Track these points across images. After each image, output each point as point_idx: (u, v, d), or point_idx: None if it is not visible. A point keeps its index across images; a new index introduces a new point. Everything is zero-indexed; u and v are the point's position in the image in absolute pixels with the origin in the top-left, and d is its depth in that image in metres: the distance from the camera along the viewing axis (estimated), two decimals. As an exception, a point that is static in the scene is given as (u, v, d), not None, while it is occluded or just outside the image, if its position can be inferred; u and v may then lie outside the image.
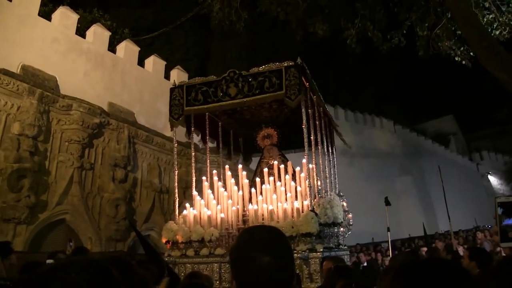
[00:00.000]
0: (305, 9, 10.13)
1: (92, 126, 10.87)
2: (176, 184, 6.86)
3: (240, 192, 6.78)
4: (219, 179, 7.25)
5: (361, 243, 16.62)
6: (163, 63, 15.04)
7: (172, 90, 6.80)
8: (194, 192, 6.93)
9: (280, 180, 6.75)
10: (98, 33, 12.85)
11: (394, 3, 10.03)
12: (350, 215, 7.56)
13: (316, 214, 5.76)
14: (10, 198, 9.02)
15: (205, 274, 5.05)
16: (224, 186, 7.10)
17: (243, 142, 8.78)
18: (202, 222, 6.41)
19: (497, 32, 9.42)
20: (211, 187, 7.12)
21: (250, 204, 6.52)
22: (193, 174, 7.09)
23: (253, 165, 9.49)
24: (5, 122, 9.48)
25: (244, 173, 7.11)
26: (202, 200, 6.77)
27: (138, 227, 11.30)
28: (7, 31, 10.36)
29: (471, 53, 9.66)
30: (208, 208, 6.57)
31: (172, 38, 21.85)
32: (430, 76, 34.64)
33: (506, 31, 9.39)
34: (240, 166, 7.29)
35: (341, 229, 6.77)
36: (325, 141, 7.44)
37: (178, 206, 7.00)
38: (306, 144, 6.07)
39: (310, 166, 6.54)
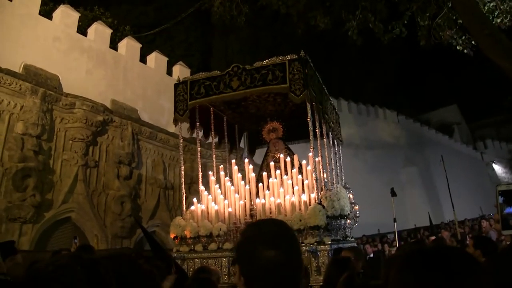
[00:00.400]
0: (306, 2, 10.09)
1: (95, 123, 10.90)
2: (182, 180, 6.87)
3: (247, 186, 6.79)
4: (225, 174, 7.26)
5: (367, 235, 16.65)
6: (165, 59, 15.03)
7: (176, 86, 6.80)
8: (201, 187, 6.94)
9: (286, 174, 6.76)
10: (99, 31, 12.85)
11: (395, -7, 10.00)
12: (356, 207, 7.55)
13: (323, 206, 5.77)
14: (16, 197, 9.07)
15: (213, 269, 5.08)
16: (231, 180, 7.11)
17: (248, 136, 8.78)
18: (210, 217, 6.43)
19: (498, 20, 9.36)
20: (218, 182, 7.14)
21: (258, 198, 6.54)
22: (200, 170, 7.10)
23: (257, 159, 9.50)
24: (9, 121, 9.52)
25: (251, 167, 7.12)
26: (210, 195, 6.78)
27: (144, 223, 11.34)
28: (8, 31, 10.37)
29: (473, 42, 9.61)
30: (215, 203, 6.58)
31: (173, 34, 21.82)
32: (433, 66, 34.47)
33: (507, 19, 9.34)
34: (246, 160, 7.30)
35: (348, 221, 6.77)
36: (330, 134, 7.42)
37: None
38: (311, 137, 6.06)
39: (316, 159, 6.54)
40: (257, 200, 6.43)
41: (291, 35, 17.99)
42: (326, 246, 5.52)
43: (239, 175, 7.08)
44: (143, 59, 14.35)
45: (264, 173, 6.99)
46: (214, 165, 7.43)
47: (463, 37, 9.99)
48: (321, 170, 6.74)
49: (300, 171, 6.81)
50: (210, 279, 3.72)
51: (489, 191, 29.94)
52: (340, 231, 6.53)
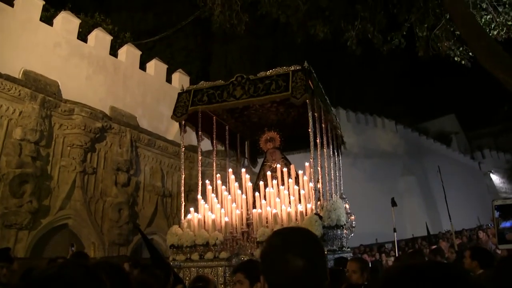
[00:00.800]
0: (305, 12, 10.14)
1: (94, 130, 10.91)
2: (182, 188, 6.89)
3: (244, 196, 6.80)
4: (223, 183, 7.27)
5: (364, 244, 16.61)
6: (165, 66, 15.09)
7: (179, 95, 6.84)
8: (199, 196, 6.95)
9: (283, 184, 6.77)
10: (99, 38, 12.91)
11: (394, 4, 10.05)
12: (352, 217, 7.58)
13: (320, 217, 5.78)
14: (12, 203, 9.05)
15: (210, 278, 5.08)
16: (228, 189, 7.13)
17: (250, 145, 8.81)
18: (207, 226, 6.44)
19: (495, 32, 9.46)
20: (215, 190, 7.15)
21: (254, 207, 6.55)
22: (199, 178, 7.11)
23: (258, 168, 9.52)
24: (7, 127, 9.52)
25: (247, 176, 7.14)
26: (206, 204, 6.79)
27: (141, 231, 11.33)
28: (9, 36, 10.41)
29: (470, 53, 9.69)
30: (212, 212, 6.59)
31: (173, 41, 21.88)
32: (431, 76, 34.64)
33: (504, 31, 9.43)
34: (243, 169, 7.32)
35: (344, 231, 6.79)
36: (331, 144, 7.45)
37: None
38: (312, 147, 6.07)
39: (315, 169, 6.56)
40: (254, 210, 6.43)
41: (290, 44, 18.11)
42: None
43: (236, 184, 7.09)
44: (142, 66, 14.40)
45: (261, 183, 7.01)
46: (214, 173, 7.44)
47: (461, 49, 10.06)
48: (320, 180, 6.75)
49: (297, 181, 6.83)
50: (206, 288, 3.72)
51: (487, 201, 29.87)
52: (336, 241, 6.53)
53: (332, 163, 7.68)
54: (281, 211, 6.14)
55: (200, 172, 7.22)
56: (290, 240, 1.52)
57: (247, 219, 6.63)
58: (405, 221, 20.90)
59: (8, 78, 9.54)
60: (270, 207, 6.28)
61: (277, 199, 6.32)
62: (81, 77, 12.00)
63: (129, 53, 13.78)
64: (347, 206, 7.46)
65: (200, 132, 7.07)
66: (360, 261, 4.79)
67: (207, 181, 7.18)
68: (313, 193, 6.25)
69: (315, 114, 6.33)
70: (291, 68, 6.23)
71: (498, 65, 7.19)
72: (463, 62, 10.18)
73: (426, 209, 24.50)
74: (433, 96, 37.03)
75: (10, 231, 9.04)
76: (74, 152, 10.60)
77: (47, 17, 12.84)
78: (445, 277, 1.20)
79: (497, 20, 9.45)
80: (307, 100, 6.00)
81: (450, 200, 14.14)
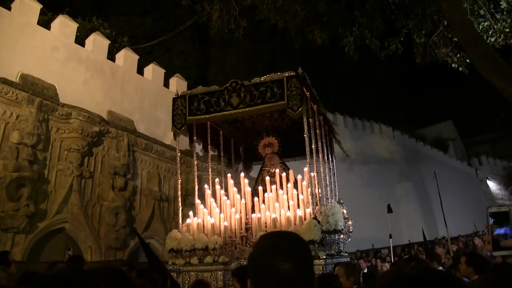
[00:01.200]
0: (303, 17, 10.18)
1: (91, 134, 10.89)
2: (179, 193, 6.91)
3: (243, 200, 6.83)
4: (221, 187, 7.30)
5: (361, 250, 16.59)
6: (162, 71, 15.09)
7: (174, 100, 6.86)
8: (197, 201, 6.98)
9: (282, 188, 6.79)
10: (97, 42, 12.90)
11: (391, 10, 10.10)
12: (350, 222, 7.60)
13: (318, 221, 5.81)
14: (9, 207, 9.00)
15: (209, 282, 5.10)
16: (227, 194, 7.16)
17: (244, 150, 8.85)
18: (206, 230, 6.46)
19: (492, 39, 9.51)
20: (213, 195, 7.17)
21: (253, 212, 6.57)
22: (196, 183, 7.12)
23: (253, 173, 9.53)
24: (4, 130, 9.48)
25: (246, 181, 7.17)
26: (205, 209, 6.81)
27: (138, 235, 11.29)
28: (6, 40, 10.40)
29: (468, 60, 9.74)
30: (211, 216, 6.61)
31: (171, 46, 21.92)
32: (429, 82, 34.80)
33: (501, 38, 9.48)
34: (242, 174, 7.34)
35: (342, 236, 6.81)
36: (325, 150, 7.49)
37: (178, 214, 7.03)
38: (307, 153, 6.13)
39: (312, 174, 6.60)
40: (253, 215, 6.46)
41: (288, 49, 18.17)
42: (321, 260, 5.57)
43: (235, 189, 7.12)
44: (140, 71, 14.40)
45: (260, 188, 7.04)
46: (210, 178, 7.46)
47: (458, 55, 10.11)
48: (317, 185, 6.78)
49: (295, 186, 6.86)
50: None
51: (483, 208, 29.92)
52: (334, 245, 6.56)
53: (327, 169, 7.72)
54: (280, 215, 6.18)
55: (196, 177, 7.23)
56: (277, 244, 1.51)
57: (246, 223, 6.67)
58: (402, 227, 20.95)
59: (5, 81, 9.52)
60: (269, 211, 6.31)
61: (276, 204, 6.35)
62: (79, 81, 11.98)
63: (126, 57, 13.77)
64: (345, 211, 7.48)
65: (195, 138, 7.10)
66: (346, 265, 4.81)
67: (206, 186, 7.21)
68: (310, 198, 6.28)
69: (310, 120, 6.38)
70: (285, 74, 6.27)
71: (495, 72, 7.22)
72: (460, 69, 10.22)
73: (422, 215, 24.54)
74: (431, 102, 37.25)
75: (7, 235, 8.99)
76: (71, 156, 10.57)
77: (45, 21, 12.85)
78: (440, 284, 1.20)
79: (495, 27, 9.51)
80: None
81: (446, 206, 14.16)
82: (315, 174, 6.71)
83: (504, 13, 9.44)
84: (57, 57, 11.55)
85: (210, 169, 7.67)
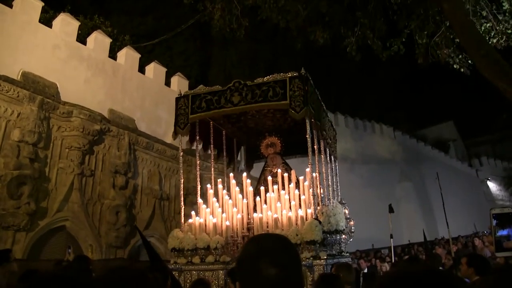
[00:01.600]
0: (305, 17, 10.17)
1: (92, 132, 10.89)
2: (182, 192, 6.94)
3: (245, 200, 6.84)
4: (224, 187, 7.32)
5: (361, 250, 16.59)
6: (164, 70, 15.09)
7: (177, 99, 6.87)
8: (200, 200, 7.00)
9: (284, 189, 6.81)
10: (99, 40, 12.90)
11: (393, 11, 10.09)
12: (351, 222, 7.60)
13: (319, 222, 5.82)
14: (10, 205, 9.02)
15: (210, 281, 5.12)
16: (229, 194, 7.17)
17: (246, 150, 8.87)
18: (208, 230, 6.49)
19: (494, 41, 9.50)
20: (215, 194, 7.19)
21: (255, 212, 6.59)
22: (198, 182, 7.14)
23: (254, 173, 9.54)
24: (5, 128, 9.49)
25: (249, 181, 7.18)
26: (208, 208, 6.84)
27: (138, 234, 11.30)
28: (8, 38, 10.40)
29: (469, 61, 9.73)
30: (213, 216, 6.63)
31: (172, 45, 21.91)
32: (430, 83, 34.77)
33: (503, 39, 9.48)
34: (244, 174, 7.35)
35: (343, 236, 6.82)
36: (327, 150, 7.51)
37: (179, 213, 7.06)
38: (309, 153, 6.14)
39: (314, 174, 6.61)
40: (255, 214, 6.48)
41: (290, 49, 18.13)
42: (322, 261, 5.58)
43: (237, 188, 7.14)
44: (141, 69, 14.40)
45: (262, 187, 7.07)
46: (213, 178, 7.47)
47: (460, 56, 10.10)
48: (318, 185, 6.79)
49: (297, 186, 6.87)
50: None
51: (484, 208, 30.03)
52: (336, 246, 6.57)
53: (329, 169, 7.73)
54: (281, 215, 6.20)
55: (198, 176, 7.24)
56: (264, 247, 1.50)
57: (248, 223, 6.69)
58: (402, 227, 20.95)
59: (7, 79, 9.53)
60: (271, 211, 6.33)
61: (278, 204, 6.37)
62: (80, 79, 11.98)
63: (128, 56, 13.77)
64: (347, 212, 7.49)
65: (197, 137, 7.11)
66: (338, 267, 4.84)
67: (208, 185, 7.23)
68: (312, 198, 6.29)
69: (312, 120, 6.38)
70: (288, 74, 6.28)
71: (497, 73, 7.22)
72: (462, 70, 10.22)
73: (422, 215, 24.56)
74: (432, 103, 37.19)
75: (7, 233, 9.01)
76: (72, 154, 10.58)
77: (46, 19, 12.84)
78: (440, 284, 1.20)
79: (497, 28, 9.51)
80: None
81: (447, 206, 14.10)
82: (317, 174, 6.72)
83: (507, 14, 9.44)
84: (58, 55, 11.55)
85: (212, 169, 7.68)
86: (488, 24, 9.62)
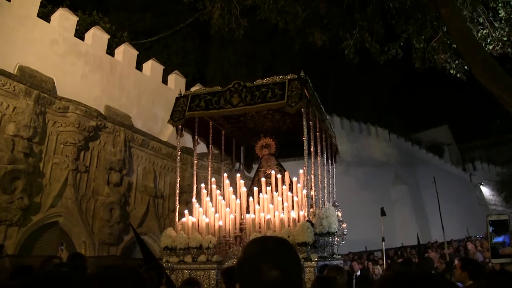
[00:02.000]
0: (304, 19, 10.20)
1: (88, 128, 10.86)
2: (177, 191, 6.95)
3: (238, 201, 6.87)
4: (218, 187, 7.34)
5: (353, 252, 16.65)
6: (161, 67, 15.07)
7: (177, 99, 6.90)
8: (194, 200, 7.02)
9: (277, 190, 6.83)
10: (97, 36, 12.87)
11: (392, 15, 10.13)
12: (344, 225, 7.65)
13: (312, 224, 5.86)
14: (3, 199, 8.97)
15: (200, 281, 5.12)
16: (222, 194, 7.19)
17: (245, 150, 8.90)
18: (200, 229, 6.51)
19: (491, 47, 9.58)
20: (209, 194, 7.21)
21: (248, 212, 6.62)
22: (195, 182, 7.16)
23: (252, 173, 9.57)
24: (0, 122, 9.45)
25: (242, 181, 7.21)
26: (201, 208, 6.85)
27: (131, 231, 11.28)
28: (5, 32, 10.36)
29: (466, 67, 9.79)
30: (206, 216, 6.65)
31: (170, 43, 21.87)
32: (426, 86, 34.88)
33: (499, 46, 9.55)
34: (238, 174, 7.37)
35: (336, 238, 6.85)
36: (324, 152, 7.54)
37: (173, 211, 7.09)
38: (306, 155, 6.19)
39: (308, 176, 6.64)
40: (247, 215, 6.51)
41: (288, 49, 18.14)
42: (313, 262, 5.63)
43: (231, 189, 7.16)
44: (139, 66, 14.38)
45: (255, 188, 7.10)
46: (210, 177, 7.50)
47: (457, 62, 10.16)
48: (313, 187, 6.82)
49: (291, 188, 6.90)
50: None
51: (477, 213, 30.22)
52: (328, 248, 6.62)
53: (325, 171, 7.77)
54: (274, 217, 6.22)
55: (195, 176, 7.26)
56: (265, 250, 1.50)
57: (241, 223, 6.72)
58: (395, 230, 21.03)
59: (3, 73, 9.48)
60: (264, 212, 6.36)
61: (271, 205, 6.40)
62: (77, 75, 11.95)
63: (126, 52, 13.75)
64: (339, 214, 7.52)
65: (196, 136, 7.13)
66: (328, 269, 4.89)
67: (202, 185, 7.24)
68: (306, 200, 6.33)
69: (310, 122, 6.41)
70: (288, 77, 6.35)
71: (492, 79, 7.26)
72: (458, 75, 10.28)
73: (416, 218, 24.65)
74: (427, 106, 37.31)
75: (-1, 227, 8.99)
76: (67, 150, 10.55)
77: (45, 14, 12.80)
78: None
79: (493, 35, 9.58)
80: (302, 109, 6.09)
81: (441, 211, 14.19)
82: (312, 176, 6.75)
83: (503, 21, 9.51)
84: (56, 50, 11.51)
85: (210, 168, 7.70)
86: (485, 31, 9.69)
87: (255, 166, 9.07)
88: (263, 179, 7.12)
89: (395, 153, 27.00)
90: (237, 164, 9.17)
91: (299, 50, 11.85)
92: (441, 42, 9.93)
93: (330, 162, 8.17)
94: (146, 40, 18.22)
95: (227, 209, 6.69)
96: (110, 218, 11.05)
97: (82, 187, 10.93)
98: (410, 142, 29.86)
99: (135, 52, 14.19)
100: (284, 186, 6.86)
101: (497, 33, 9.54)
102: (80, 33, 12.91)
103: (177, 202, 6.91)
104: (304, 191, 6.46)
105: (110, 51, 13.62)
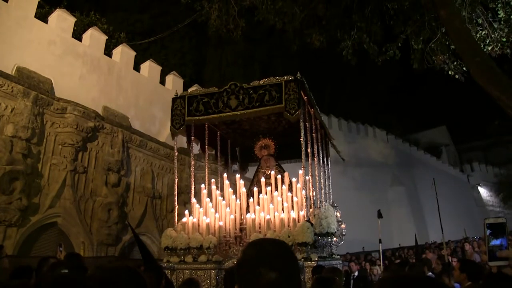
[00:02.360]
0: (302, 20, 10.21)
1: (86, 129, 10.85)
2: (176, 192, 6.97)
3: (238, 201, 6.89)
4: (217, 188, 7.36)
5: (351, 252, 16.67)
6: (159, 68, 15.06)
7: (174, 100, 6.90)
8: (193, 200, 7.04)
9: (277, 190, 6.85)
10: (94, 37, 12.86)
11: (390, 16, 10.15)
12: (343, 225, 7.68)
13: (311, 224, 5.89)
14: (2, 200, 8.95)
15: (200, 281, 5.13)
16: (222, 194, 7.21)
17: (240, 151, 8.91)
18: (201, 230, 6.54)
19: (489, 48, 9.58)
20: (209, 195, 7.23)
21: (248, 213, 6.64)
22: (192, 182, 7.17)
23: (248, 174, 9.58)
24: (-1, 123, 9.45)
25: (242, 182, 7.24)
26: (201, 208, 6.87)
27: (130, 232, 11.27)
28: (3, 32, 10.33)
29: (464, 68, 9.80)
30: (206, 216, 6.67)
31: (168, 43, 21.87)
32: (424, 87, 34.98)
33: (498, 47, 9.56)
34: (238, 175, 7.41)
35: (334, 239, 6.88)
36: (321, 153, 7.58)
37: (171, 212, 7.11)
38: (303, 156, 6.21)
39: (307, 177, 6.66)
40: (247, 215, 6.54)
41: (285, 50, 18.15)
42: (313, 262, 5.67)
43: (231, 189, 7.18)
44: (136, 67, 14.36)
45: (255, 189, 7.12)
46: (207, 178, 7.51)
47: (455, 63, 10.17)
48: (311, 188, 6.84)
49: (290, 188, 6.92)
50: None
51: (474, 214, 30.32)
52: (327, 248, 6.65)
53: (322, 172, 7.79)
54: (274, 217, 6.25)
55: (193, 177, 7.27)
56: (264, 252, 1.51)
57: (241, 224, 6.74)
58: (393, 231, 21.07)
59: (1, 74, 9.45)
60: (264, 213, 6.38)
61: (271, 206, 6.42)
62: (75, 75, 11.94)
63: (123, 53, 13.74)
64: (338, 214, 7.55)
65: (192, 138, 7.14)
66: (326, 270, 4.92)
67: (202, 185, 7.26)
68: (304, 200, 6.35)
69: (307, 124, 6.44)
70: (284, 78, 6.36)
71: (491, 80, 7.27)
72: (457, 76, 10.29)
73: (413, 219, 24.68)
74: (425, 107, 37.43)
75: (-2, 228, 8.97)
76: (65, 151, 10.53)
77: (42, 14, 12.76)
78: None
79: (492, 36, 9.59)
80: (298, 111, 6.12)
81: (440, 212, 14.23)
82: (310, 177, 6.77)
83: (502, 22, 9.52)
84: (53, 51, 11.49)
85: (207, 169, 7.71)
86: (484, 32, 9.70)
87: (250, 167, 9.10)
88: (262, 180, 7.15)
89: (393, 154, 27.05)
90: (233, 165, 9.20)
91: (296, 51, 11.85)
92: (439, 43, 9.94)
93: (326, 162, 8.20)
94: (144, 41, 18.21)
95: (227, 210, 6.71)
96: (108, 219, 11.04)
97: (80, 188, 10.91)
98: (408, 143, 29.92)
99: (133, 53, 14.18)
100: (283, 187, 6.88)
101: (496, 34, 9.55)
102: (77, 34, 12.89)
103: (176, 203, 6.92)
104: (304, 192, 6.48)
105: (108, 52, 13.60)
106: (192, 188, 7.19)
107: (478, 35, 9.57)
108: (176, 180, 7.06)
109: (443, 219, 12.17)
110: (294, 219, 6.09)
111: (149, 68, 14.60)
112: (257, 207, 6.55)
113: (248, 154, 8.47)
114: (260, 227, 6.27)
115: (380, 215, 10.92)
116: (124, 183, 11.83)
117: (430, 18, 9.70)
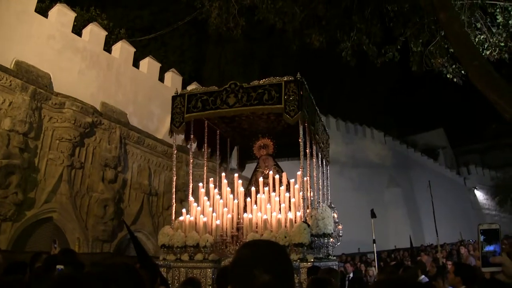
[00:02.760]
0: (302, 20, 10.21)
1: (84, 125, 10.84)
2: (174, 189, 6.98)
3: (236, 200, 6.89)
4: (215, 186, 7.36)
5: (347, 253, 16.70)
6: (158, 65, 15.04)
7: (174, 98, 6.90)
8: (191, 198, 7.05)
9: (274, 190, 6.86)
10: (94, 32, 12.83)
11: (390, 18, 10.17)
12: (340, 226, 7.69)
13: (308, 225, 5.89)
14: (-3, 194, 8.96)
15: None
16: (220, 193, 7.22)
17: (239, 150, 8.92)
18: (198, 228, 6.54)
19: (488, 52, 9.63)
20: (207, 193, 7.23)
21: (245, 212, 6.65)
22: (191, 180, 7.17)
23: (246, 173, 9.58)
24: (-4, 117, 9.43)
25: (240, 181, 7.24)
26: (199, 207, 6.88)
27: (125, 228, 11.26)
28: (2, 26, 10.31)
29: (462, 71, 9.83)
30: (204, 215, 6.68)
31: (167, 40, 21.85)
32: (422, 89, 35.00)
33: (496, 51, 9.60)
34: (236, 175, 7.42)
35: (331, 239, 6.89)
36: (319, 154, 7.58)
37: (168, 209, 7.12)
38: (301, 157, 6.21)
39: (305, 178, 6.67)
40: (245, 215, 6.54)
41: (285, 50, 18.15)
42: (309, 263, 5.65)
43: (228, 188, 7.18)
44: (136, 64, 14.34)
45: (253, 188, 7.11)
46: (205, 176, 7.51)
47: (454, 66, 10.20)
48: (309, 189, 6.85)
49: (288, 188, 6.93)
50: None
51: (470, 217, 30.39)
52: (323, 249, 6.66)
53: (320, 173, 7.80)
54: (271, 217, 6.26)
55: (191, 175, 7.27)
56: (258, 254, 1.52)
57: (238, 223, 6.76)
58: (389, 232, 21.09)
59: (0, 68, 9.45)
60: (261, 212, 6.39)
61: (268, 205, 6.43)
62: (74, 71, 11.91)
63: (123, 49, 13.71)
64: (335, 216, 7.55)
65: (192, 136, 7.13)
66: (321, 271, 4.93)
67: (200, 184, 7.26)
68: (302, 201, 6.36)
69: (306, 125, 6.44)
70: (284, 78, 6.35)
71: (488, 84, 7.29)
72: (455, 79, 10.33)
73: (409, 221, 24.72)
74: (423, 109, 37.45)
75: (-7, 222, 8.95)
76: (62, 146, 10.52)
77: (42, 9, 12.72)
78: None
79: (490, 40, 9.63)
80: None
81: (435, 214, 14.27)
82: (308, 178, 6.78)
83: (500, 27, 9.55)
84: (53, 45, 11.47)
85: (205, 168, 7.71)
86: (482, 36, 9.74)
87: (248, 166, 9.09)
88: (260, 179, 7.16)
89: (390, 155, 27.08)
90: (231, 164, 9.20)
91: (296, 51, 11.86)
92: (438, 46, 9.97)
93: (324, 163, 8.21)
94: (144, 38, 18.20)
95: (225, 209, 6.72)
96: (104, 215, 11.04)
97: (77, 183, 10.89)
98: (405, 144, 29.94)
99: (132, 49, 14.16)
100: (282, 187, 6.89)
101: (494, 39, 9.59)
102: (77, 29, 12.86)
103: (174, 201, 6.92)
104: (301, 193, 6.49)
105: (107, 47, 13.58)
106: (190, 186, 7.19)
107: (476, 39, 9.61)
108: (174, 177, 7.08)
109: (439, 222, 12.23)
110: (291, 220, 6.10)
111: (148, 64, 14.58)
112: (254, 206, 6.56)
113: (246, 152, 8.47)
114: (257, 227, 6.28)
115: (373, 215, 10.92)
116: (120, 179, 11.82)
117: (430, 21, 9.72)
